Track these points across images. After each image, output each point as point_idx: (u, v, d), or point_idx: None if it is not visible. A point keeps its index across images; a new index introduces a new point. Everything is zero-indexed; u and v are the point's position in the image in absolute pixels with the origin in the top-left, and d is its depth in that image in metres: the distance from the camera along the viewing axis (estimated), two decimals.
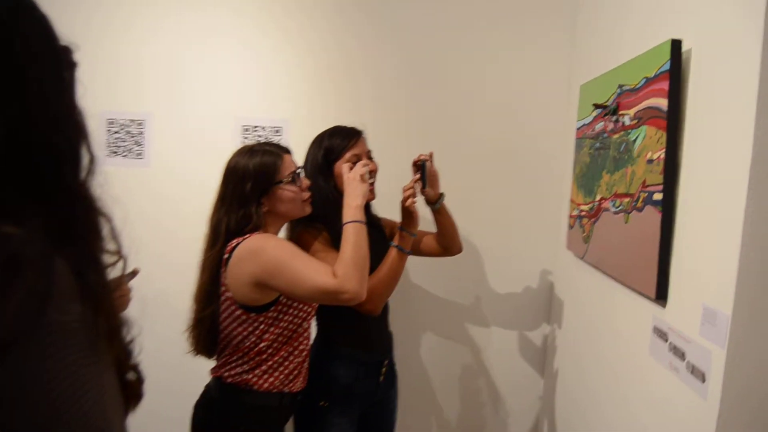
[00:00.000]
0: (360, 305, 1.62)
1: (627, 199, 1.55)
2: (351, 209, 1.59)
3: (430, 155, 1.91)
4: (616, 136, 1.66)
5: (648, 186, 1.41)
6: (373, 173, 1.83)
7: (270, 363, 1.61)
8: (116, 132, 2.51)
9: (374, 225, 1.92)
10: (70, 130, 0.69)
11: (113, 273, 0.72)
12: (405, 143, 2.35)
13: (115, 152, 2.51)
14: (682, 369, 1.25)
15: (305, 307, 1.64)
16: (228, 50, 2.49)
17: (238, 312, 1.56)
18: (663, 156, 1.32)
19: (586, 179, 1.96)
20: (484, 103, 2.47)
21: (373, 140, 1.93)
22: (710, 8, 1.23)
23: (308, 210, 1.70)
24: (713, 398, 1.12)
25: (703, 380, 1.16)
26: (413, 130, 2.48)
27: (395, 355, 2.06)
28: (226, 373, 1.61)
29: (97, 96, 2.42)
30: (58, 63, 0.69)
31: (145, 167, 2.52)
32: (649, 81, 1.42)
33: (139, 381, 0.74)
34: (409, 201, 1.79)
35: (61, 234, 0.63)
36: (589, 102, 1.93)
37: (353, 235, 1.54)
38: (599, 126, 1.82)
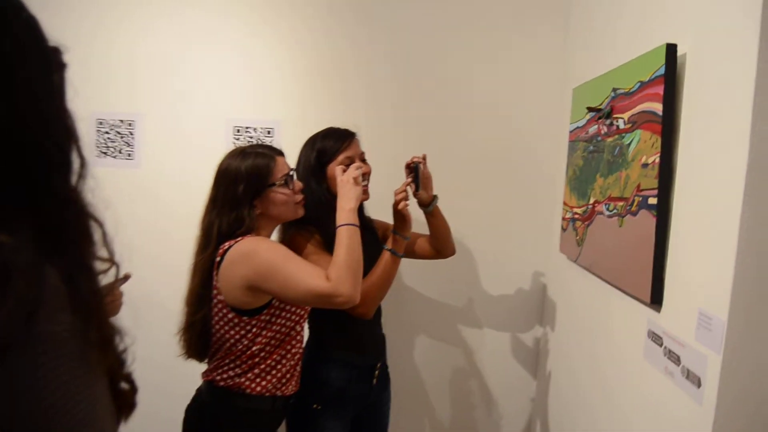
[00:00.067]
0: (353, 309, 1.61)
1: (621, 203, 1.55)
2: (344, 212, 1.58)
3: (424, 157, 1.90)
4: (610, 139, 1.66)
5: (642, 190, 1.41)
6: (366, 175, 1.82)
7: (262, 366, 1.59)
8: (106, 132, 2.48)
9: (367, 227, 1.91)
10: (60, 133, 0.67)
11: (105, 279, 0.71)
12: (398, 145, 2.35)
13: (105, 153, 2.49)
14: (677, 373, 1.25)
15: (298, 310, 1.63)
16: (219, 50, 2.47)
17: (231, 315, 1.55)
18: (658, 160, 1.32)
19: (579, 182, 1.96)
20: (477, 105, 2.46)
21: (366, 142, 1.92)
22: (705, 12, 1.23)
23: (301, 212, 1.69)
24: (709, 403, 1.11)
25: (699, 385, 1.15)
26: (406, 131, 2.47)
27: (388, 358, 2.05)
28: (218, 377, 1.60)
29: (87, 96, 2.39)
30: (48, 64, 0.67)
31: (135, 168, 2.50)
32: (643, 85, 1.42)
33: (132, 390, 0.72)
34: (402, 204, 1.78)
35: (51, 241, 0.61)
36: (582, 105, 1.93)
37: (347, 238, 1.53)
38: (593, 129, 1.82)
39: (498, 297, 2.54)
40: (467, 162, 2.47)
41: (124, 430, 0.73)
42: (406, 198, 1.79)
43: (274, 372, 1.61)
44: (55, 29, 0.69)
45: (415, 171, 1.89)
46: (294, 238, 1.76)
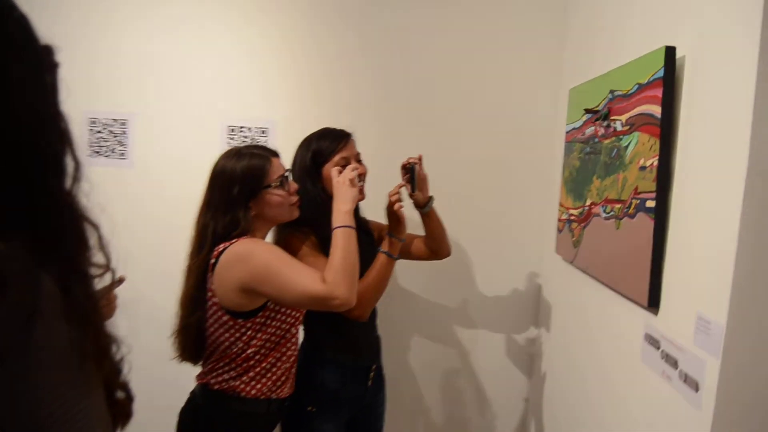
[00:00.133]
0: (349, 311, 1.61)
1: (618, 205, 1.55)
2: (341, 214, 1.57)
3: (419, 158, 1.90)
4: (607, 141, 1.65)
5: (640, 193, 1.40)
6: (362, 176, 1.81)
7: (258, 369, 1.58)
8: (99, 132, 2.46)
9: (363, 229, 1.90)
10: (54, 135, 0.66)
11: (100, 282, 0.70)
12: (393, 146, 2.33)
13: (98, 152, 2.46)
14: (675, 377, 1.25)
15: (293, 313, 1.61)
16: (214, 49, 2.45)
17: (225, 318, 1.53)
18: (656, 163, 1.32)
19: (575, 183, 1.95)
20: (472, 105, 2.46)
21: (361, 142, 1.91)
22: (704, 15, 1.23)
23: (296, 214, 1.67)
24: (707, 408, 1.11)
25: (697, 389, 1.15)
26: (401, 132, 2.46)
27: (383, 359, 2.04)
28: (213, 380, 1.58)
29: (79, 94, 2.37)
30: (40, 64, 0.66)
31: (128, 167, 2.48)
32: (641, 87, 1.41)
33: (128, 399, 0.71)
34: (397, 205, 1.77)
35: (47, 247, 0.60)
36: (578, 106, 1.93)
37: (343, 241, 1.52)
38: (589, 130, 1.82)
39: (493, 298, 2.54)
40: (463, 162, 2.47)
41: None
42: (400, 199, 1.78)
43: (269, 375, 1.60)
44: (47, 27, 0.67)
45: (411, 172, 1.88)
46: (289, 239, 1.75)
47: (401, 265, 2.31)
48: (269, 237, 1.74)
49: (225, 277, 1.49)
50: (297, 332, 1.68)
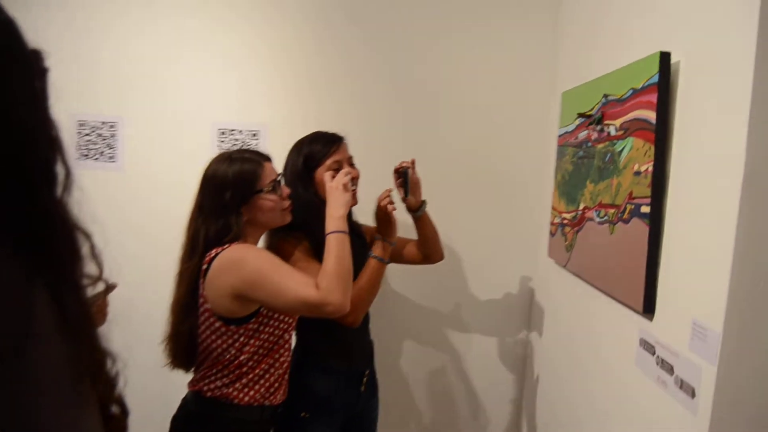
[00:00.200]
0: (342, 317, 1.59)
1: (612, 210, 1.54)
2: (334, 219, 1.56)
3: (412, 162, 1.89)
4: (600, 145, 1.65)
5: (635, 198, 1.40)
6: (355, 180, 1.80)
7: (251, 376, 1.56)
8: (87, 134, 2.43)
9: (356, 233, 1.89)
10: (44, 143, 0.64)
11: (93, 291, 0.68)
12: (386, 149, 2.32)
13: (86, 155, 2.43)
14: (670, 383, 1.24)
15: (286, 319, 1.60)
16: (204, 52, 2.43)
17: (218, 324, 1.51)
18: (651, 168, 1.31)
19: (568, 187, 1.95)
20: (465, 108, 2.45)
21: (353, 146, 1.90)
22: (699, 21, 1.23)
23: (288, 219, 1.66)
24: (704, 414, 1.11)
25: (693, 395, 1.15)
26: (394, 136, 2.45)
27: (376, 364, 2.03)
28: (205, 387, 1.56)
29: (67, 97, 2.34)
30: (29, 70, 0.64)
31: (117, 171, 2.45)
32: (636, 92, 1.41)
33: (123, 414, 0.69)
34: (390, 208, 1.76)
35: (38, 259, 0.58)
36: (571, 109, 1.92)
37: (336, 247, 1.51)
38: (582, 134, 1.82)
39: (485, 302, 2.53)
40: (455, 166, 2.46)
41: None
42: (392, 201, 1.77)
43: (262, 381, 1.58)
44: (34, 29, 0.65)
45: (404, 176, 1.87)
46: (281, 244, 1.73)
47: (394, 269, 2.31)
48: (261, 242, 1.72)
49: (217, 284, 1.47)
50: (290, 338, 1.67)
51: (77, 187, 0.66)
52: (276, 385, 1.62)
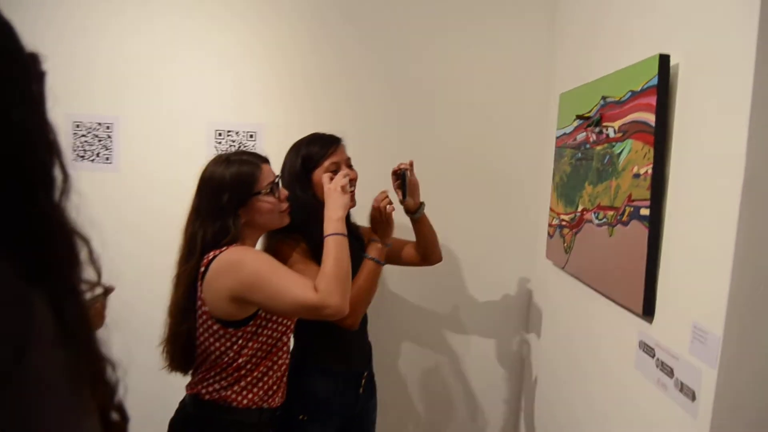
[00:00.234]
0: (340, 320, 1.58)
1: (611, 212, 1.54)
2: (332, 222, 1.55)
3: (411, 164, 1.88)
4: (599, 147, 1.65)
5: (634, 200, 1.40)
6: (353, 182, 1.79)
7: (249, 379, 1.55)
8: (83, 135, 2.41)
9: (354, 235, 1.88)
10: (42, 147, 0.63)
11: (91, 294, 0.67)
12: (384, 150, 2.32)
13: (82, 156, 2.42)
14: (670, 386, 1.24)
15: (285, 321, 1.59)
16: (201, 52, 2.42)
17: (216, 327, 1.51)
18: (650, 171, 1.31)
19: (567, 189, 1.95)
20: (461, 107, 2.45)
21: (351, 147, 1.89)
22: (699, 23, 1.23)
23: (286, 221, 1.65)
24: (704, 417, 1.11)
25: (693, 398, 1.15)
26: (391, 137, 2.44)
27: (374, 365, 2.02)
28: (204, 390, 1.55)
29: (63, 98, 2.32)
30: (26, 73, 0.63)
31: (114, 172, 2.44)
32: (635, 95, 1.41)
33: (123, 421, 0.68)
34: (389, 208, 1.75)
35: (36, 266, 0.57)
36: (569, 111, 1.92)
37: (335, 249, 1.50)
38: (581, 136, 1.82)
39: (483, 303, 2.53)
40: (451, 166, 2.46)
41: None
42: (390, 202, 1.77)
43: (260, 384, 1.57)
44: (30, 30, 0.65)
45: (402, 178, 1.87)
46: (279, 246, 1.73)
47: (392, 271, 2.30)
48: (259, 244, 1.71)
49: (215, 286, 1.47)
50: (288, 340, 1.66)
51: (75, 192, 0.66)
52: (274, 387, 1.61)
